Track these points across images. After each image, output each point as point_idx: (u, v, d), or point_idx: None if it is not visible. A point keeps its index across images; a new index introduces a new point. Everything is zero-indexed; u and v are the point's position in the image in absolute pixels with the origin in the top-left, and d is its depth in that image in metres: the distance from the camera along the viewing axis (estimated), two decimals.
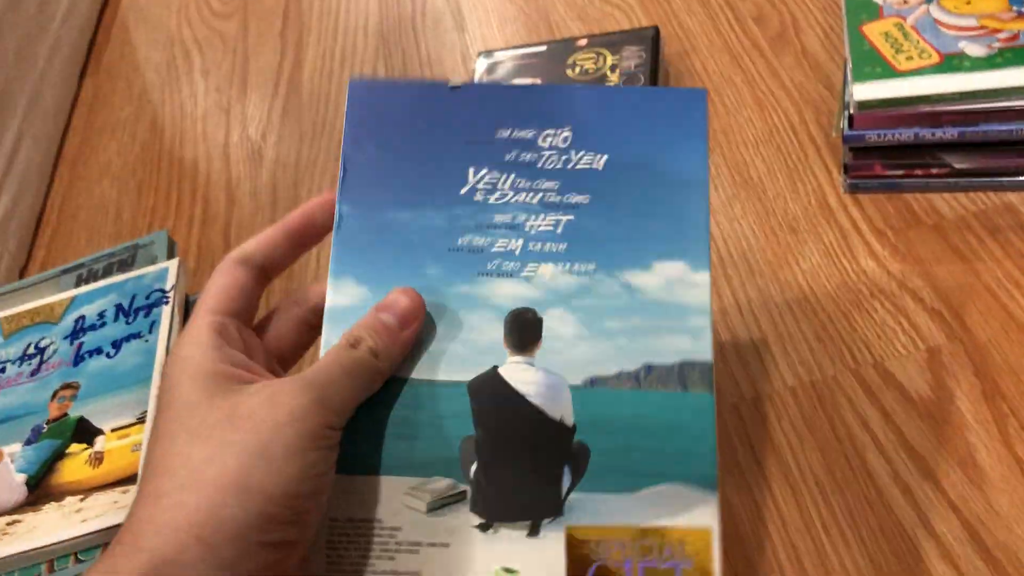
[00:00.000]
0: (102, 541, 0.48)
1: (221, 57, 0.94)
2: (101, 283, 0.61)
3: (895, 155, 0.59)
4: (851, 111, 0.58)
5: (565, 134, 0.39)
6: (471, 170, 0.39)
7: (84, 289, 0.61)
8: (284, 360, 0.41)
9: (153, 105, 0.92)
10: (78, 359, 0.57)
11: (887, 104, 0.57)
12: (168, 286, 0.58)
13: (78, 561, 0.48)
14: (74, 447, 0.53)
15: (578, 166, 0.39)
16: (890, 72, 0.58)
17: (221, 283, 0.38)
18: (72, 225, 0.82)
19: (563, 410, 0.37)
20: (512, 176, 0.39)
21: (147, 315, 0.57)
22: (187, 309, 0.58)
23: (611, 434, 0.36)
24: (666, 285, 0.38)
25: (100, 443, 0.52)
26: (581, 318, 0.37)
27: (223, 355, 0.35)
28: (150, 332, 0.56)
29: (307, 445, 0.33)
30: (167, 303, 0.57)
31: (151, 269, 0.60)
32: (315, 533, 0.35)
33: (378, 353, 0.36)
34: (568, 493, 0.36)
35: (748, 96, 0.70)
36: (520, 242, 0.38)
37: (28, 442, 0.54)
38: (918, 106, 0.56)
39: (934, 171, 0.59)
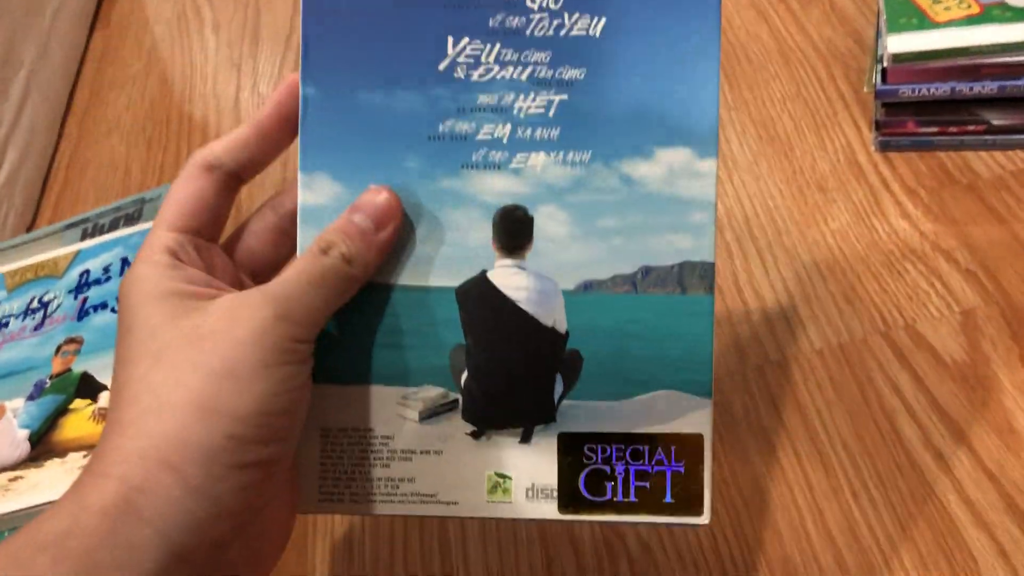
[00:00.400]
0: None
1: (232, 11, 0.91)
2: (106, 237, 0.60)
3: (930, 111, 0.57)
4: (884, 64, 0.56)
5: None
6: (450, 40, 0.34)
7: (89, 243, 0.60)
8: (261, 274, 0.38)
9: (163, 60, 0.90)
10: (82, 314, 0.55)
11: (923, 57, 0.55)
12: None
13: None
14: (77, 403, 0.51)
15: (572, 32, 0.34)
16: (927, 23, 0.55)
17: (180, 195, 0.35)
18: (80, 181, 0.81)
19: (555, 316, 0.35)
20: (497, 46, 0.34)
21: None
22: None
23: (605, 341, 0.35)
24: (668, 176, 0.34)
25: (104, 399, 0.51)
26: (575, 216, 0.35)
27: (179, 274, 0.33)
28: None
29: (273, 361, 0.31)
30: None
31: None
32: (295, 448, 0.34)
33: (351, 259, 0.33)
34: (560, 400, 0.35)
35: (775, 51, 0.67)
36: (508, 128, 0.34)
37: (31, 397, 0.52)
38: (956, 59, 0.54)
39: (970, 128, 0.56)
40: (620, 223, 0.34)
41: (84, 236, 0.62)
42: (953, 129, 0.57)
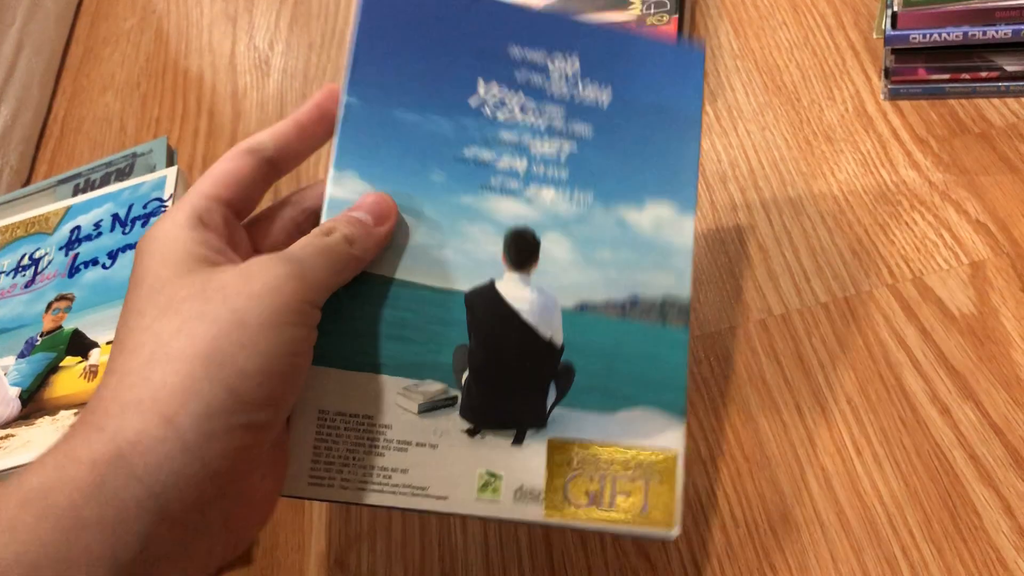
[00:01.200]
0: None
1: None
2: (98, 192, 0.59)
3: (941, 57, 0.55)
4: (895, 8, 0.54)
5: (574, 63, 0.40)
6: (481, 82, 0.39)
7: (81, 199, 0.59)
8: None
9: (158, 14, 0.88)
10: (73, 270, 0.54)
11: (935, 0, 0.53)
12: (166, 195, 0.56)
13: None
14: (68, 360, 0.51)
15: (584, 98, 0.40)
16: None
17: (220, 168, 0.36)
18: (75, 138, 0.80)
19: (553, 330, 0.38)
20: (521, 96, 0.39)
21: (144, 224, 0.55)
22: None
23: (595, 357, 0.38)
24: (655, 224, 0.40)
25: (95, 356, 0.50)
26: (576, 245, 0.39)
27: (199, 237, 0.33)
28: None
29: (284, 319, 0.31)
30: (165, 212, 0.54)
31: (149, 177, 0.57)
32: (285, 420, 0.34)
33: (352, 240, 0.34)
34: (552, 408, 0.38)
35: None
36: (524, 163, 0.39)
37: (22, 355, 0.52)
38: (969, 2, 0.52)
39: (983, 75, 0.55)
40: (614, 257, 0.39)
41: (76, 191, 0.61)
42: (965, 76, 0.55)
